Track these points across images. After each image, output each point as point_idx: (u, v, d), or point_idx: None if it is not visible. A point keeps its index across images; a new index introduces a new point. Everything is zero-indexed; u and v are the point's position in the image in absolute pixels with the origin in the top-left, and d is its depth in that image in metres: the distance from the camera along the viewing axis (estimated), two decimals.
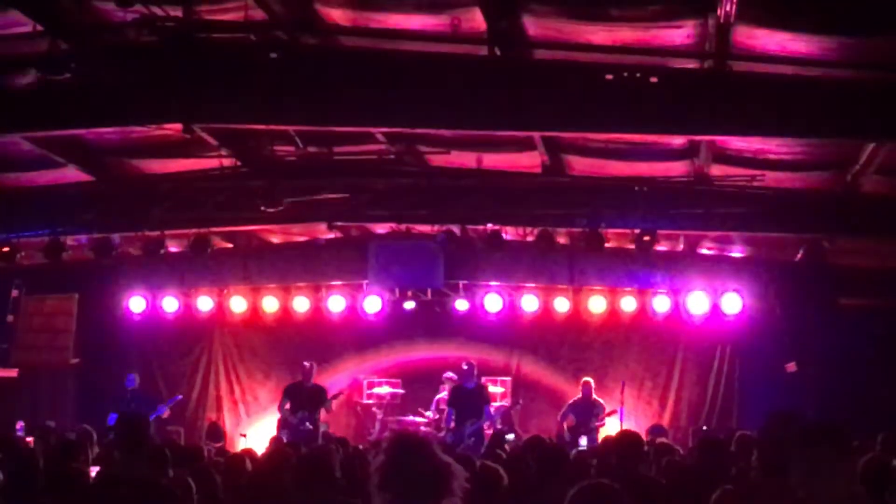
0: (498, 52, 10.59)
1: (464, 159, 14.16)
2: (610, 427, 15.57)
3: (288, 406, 16.14)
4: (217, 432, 16.39)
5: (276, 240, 18.04)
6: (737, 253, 16.88)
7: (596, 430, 15.69)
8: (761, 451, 5.74)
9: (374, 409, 17.77)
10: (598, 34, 10.22)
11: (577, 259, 16.73)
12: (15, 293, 17.89)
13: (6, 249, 15.50)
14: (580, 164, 13.96)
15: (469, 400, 15.61)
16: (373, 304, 17.45)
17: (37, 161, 13.88)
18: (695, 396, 17.55)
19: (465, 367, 15.79)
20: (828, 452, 4.52)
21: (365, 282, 17.33)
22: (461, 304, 17.58)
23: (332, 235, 17.50)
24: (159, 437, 13.48)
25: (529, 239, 15.86)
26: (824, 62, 10.04)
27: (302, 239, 17.73)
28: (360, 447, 12.28)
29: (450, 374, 16.65)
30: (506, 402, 17.11)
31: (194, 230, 15.74)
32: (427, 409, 17.22)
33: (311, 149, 13.75)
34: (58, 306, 18.33)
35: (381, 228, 17.39)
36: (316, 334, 18.20)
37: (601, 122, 11.12)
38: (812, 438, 4.60)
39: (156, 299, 18.02)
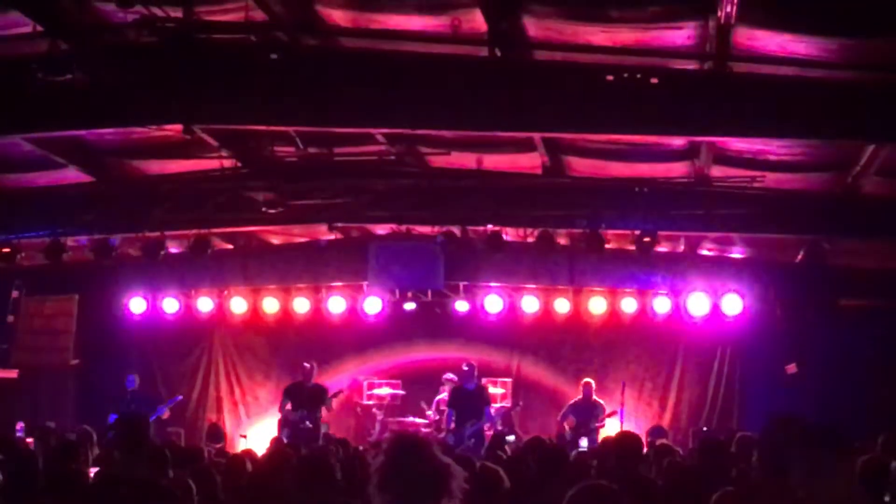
0: (498, 53, 10.59)
1: (464, 160, 14.15)
2: (610, 428, 15.55)
3: (289, 406, 16.13)
4: (217, 433, 16.36)
5: (276, 241, 18.02)
6: (737, 254, 16.87)
7: (596, 430, 15.66)
8: (762, 452, 5.73)
9: (374, 410, 17.77)
10: (599, 35, 10.22)
11: (578, 260, 16.71)
12: (15, 294, 17.89)
13: (7, 250, 15.47)
14: (580, 165, 13.95)
15: (469, 401, 15.59)
16: (373, 305, 17.46)
17: (37, 162, 13.88)
18: (695, 397, 17.53)
19: (465, 368, 15.77)
20: (828, 453, 4.53)
21: (365, 283, 17.33)
22: (461, 305, 17.57)
23: (332, 236, 17.47)
24: (159, 438, 13.44)
25: (530, 240, 15.82)
26: (825, 63, 10.04)
27: (302, 240, 17.69)
28: (361, 448, 12.29)
29: (450, 376, 16.63)
30: (506, 404, 17.10)
31: (194, 231, 15.70)
32: (427, 409, 17.22)
33: (312, 150, 13.74)
34: (58, 307, 18.33)
35: (381, 229, 17.38)
36: (316, 335, 18.19)
37: (601, 123, 11.12)
38: (812, 439, 4.60)
39: (156, 300, 18.03)
